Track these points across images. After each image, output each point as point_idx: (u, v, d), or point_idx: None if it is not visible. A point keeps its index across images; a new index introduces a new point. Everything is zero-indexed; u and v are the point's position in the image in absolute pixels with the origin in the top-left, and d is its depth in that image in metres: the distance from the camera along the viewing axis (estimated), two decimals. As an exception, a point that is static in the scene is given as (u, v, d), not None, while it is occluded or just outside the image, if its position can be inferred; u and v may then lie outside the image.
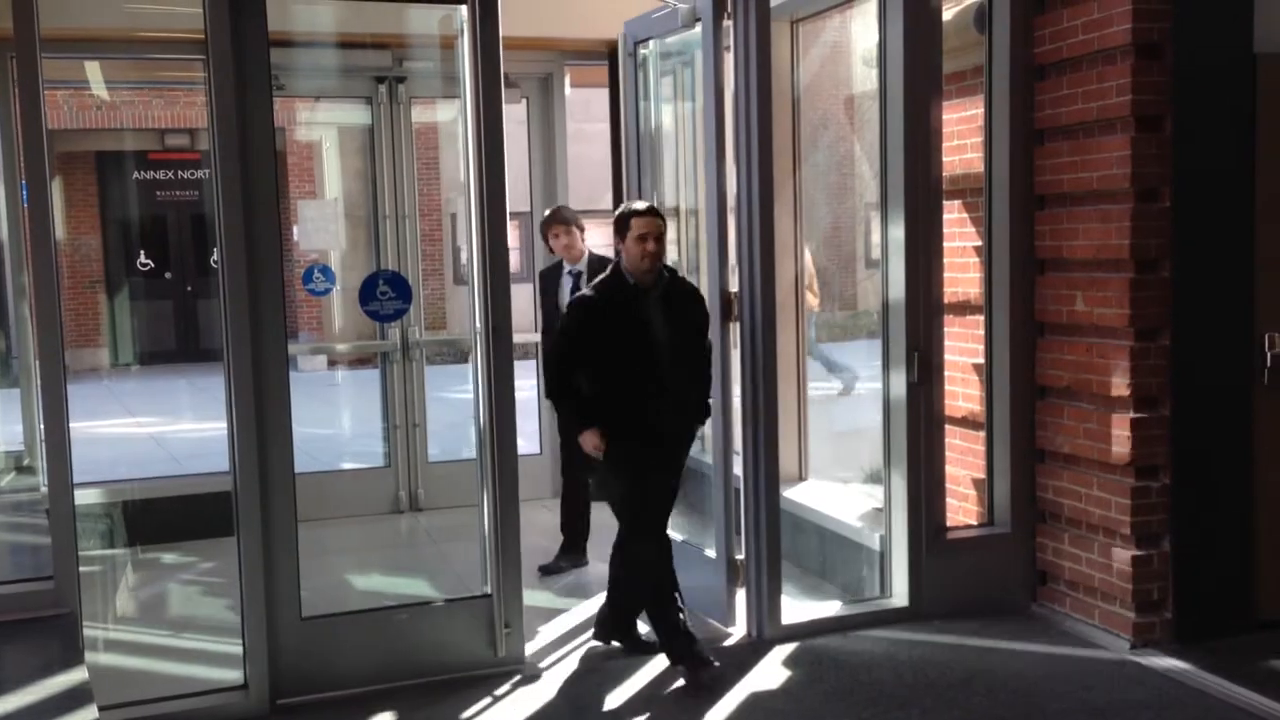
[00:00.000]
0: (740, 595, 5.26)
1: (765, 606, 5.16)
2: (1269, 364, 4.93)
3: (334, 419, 11.48)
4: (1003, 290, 5.44)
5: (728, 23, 5.13)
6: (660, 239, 4.80)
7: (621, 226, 4.85)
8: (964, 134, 5.81)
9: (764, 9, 5.05)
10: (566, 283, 6.25)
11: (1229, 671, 4.65)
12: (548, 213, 6.50)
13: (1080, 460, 5.23)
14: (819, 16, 6.44)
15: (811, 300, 6.78)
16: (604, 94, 7.53)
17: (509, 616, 4.86)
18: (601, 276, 5.02)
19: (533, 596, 5.54)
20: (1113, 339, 5.03)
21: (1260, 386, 4.96)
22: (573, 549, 6.41)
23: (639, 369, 4.82)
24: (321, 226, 8.46)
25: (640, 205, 5.00)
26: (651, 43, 6.03)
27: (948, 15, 5.55)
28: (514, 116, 8.50)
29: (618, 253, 4.93)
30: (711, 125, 5.18)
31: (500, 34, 4.74)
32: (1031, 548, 5.48)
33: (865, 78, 6.46)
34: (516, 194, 8.83)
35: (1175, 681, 4.63)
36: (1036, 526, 5.48)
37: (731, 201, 5.21)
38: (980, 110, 5.53)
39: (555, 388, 4.98)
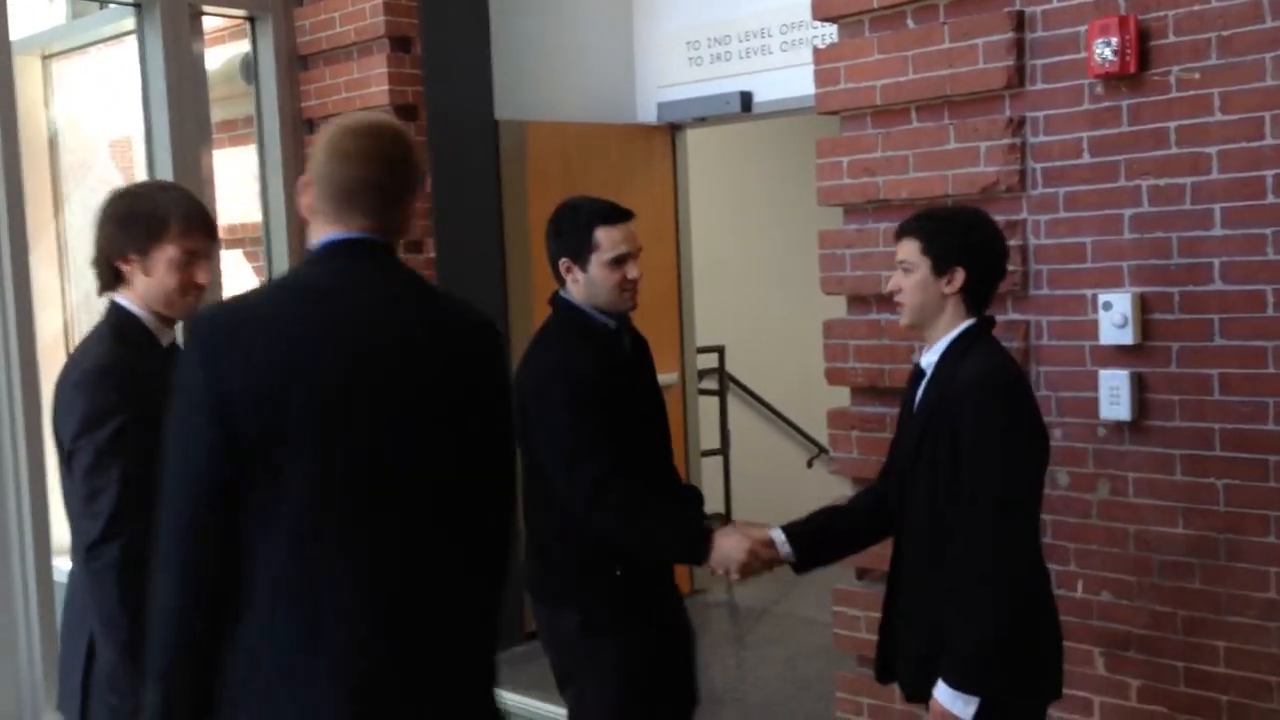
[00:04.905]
0: None
1: None
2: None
3: None
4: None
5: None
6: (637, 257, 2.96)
7: (575, 243, 2.89)
8: (242, 182, 5.79)
9: (2, 42, 4.63)
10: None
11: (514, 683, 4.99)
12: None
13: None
14: (75, 53, 6.04)
15: None
16: None
17: None
18: (554, 331, 2.96)
19: None
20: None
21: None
22: None
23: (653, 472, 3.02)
24: None
25: (603, 204, 2.94)
26: None
27: (215, 63, 5.49)
28: None
29: (561, 282, 2.98)
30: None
31: None
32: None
33: (134, 118, 6.18)
34: None
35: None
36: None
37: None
38: (255, 159, 5.55)
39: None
